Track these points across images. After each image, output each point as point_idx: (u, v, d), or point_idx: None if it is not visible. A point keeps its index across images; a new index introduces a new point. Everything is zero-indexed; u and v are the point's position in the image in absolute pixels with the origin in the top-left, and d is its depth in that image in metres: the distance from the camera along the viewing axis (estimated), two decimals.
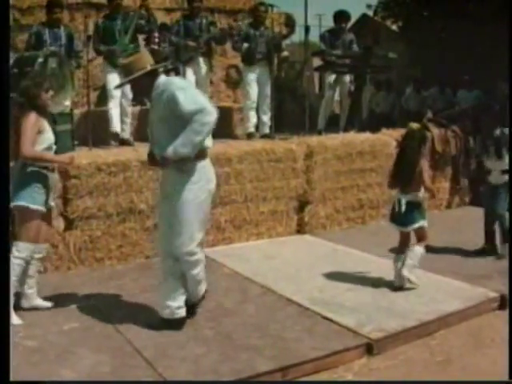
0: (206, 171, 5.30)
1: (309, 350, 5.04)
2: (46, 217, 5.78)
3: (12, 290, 5.45)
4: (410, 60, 17.94)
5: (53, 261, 6.89)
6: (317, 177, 8.71)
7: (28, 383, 4.53)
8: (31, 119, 5.52)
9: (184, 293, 5.45)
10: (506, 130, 7.50)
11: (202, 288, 5.61)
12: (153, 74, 5.30)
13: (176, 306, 5.39)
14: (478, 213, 8.35)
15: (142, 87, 5.52)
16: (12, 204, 5.45)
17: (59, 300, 6.00)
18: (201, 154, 5.20)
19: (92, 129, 8.64)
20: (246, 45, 10.06)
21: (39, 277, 6.00)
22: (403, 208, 6.33)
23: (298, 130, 10.06)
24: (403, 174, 6.38)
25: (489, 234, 7.70)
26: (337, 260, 7.43)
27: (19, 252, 5.53)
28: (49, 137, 5.66)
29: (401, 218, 6.42)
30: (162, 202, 5.47)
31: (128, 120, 9.53)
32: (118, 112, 9.31)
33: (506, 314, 6.12)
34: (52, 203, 5.83)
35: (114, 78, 9.03)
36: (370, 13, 22.28)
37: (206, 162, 5.33)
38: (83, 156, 7.28)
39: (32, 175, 5.53)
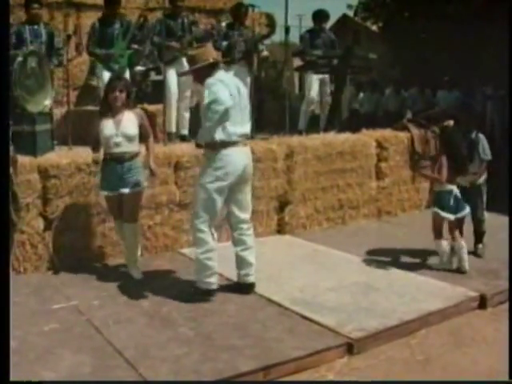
0: (229, 160, 5.86)
1: (290, 350, 5.04)
2: None
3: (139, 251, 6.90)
4: (390, 60, 18.06)
5: (32, 261, 6.85)
6: (297, 177, 8.71)
7: (28, 383, 4.51)
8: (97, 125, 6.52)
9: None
10: (481, 135, 7.50)
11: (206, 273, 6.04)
12: (213, 67, 6.01)
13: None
14: None
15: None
16: (140, 188, 6.55)
17: (39, 301, 5.97)
18: (222, 143, 5.83)
19: (72, 128, 8.59)
20: (224, 43, 10.01)
21: (19, 277, 6.13)
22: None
23: (278, 130, 10.06)
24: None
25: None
26: (317, 260, 7.45)
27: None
28: (105, 133, 6.41)
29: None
30: None
31: None
32: None
33: (485, 313, 6.19)
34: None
35: None
36: (351, 13, 22.46)
37: (231, 151, 5.88)
38: (63, 156, 7.26)
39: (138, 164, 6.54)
